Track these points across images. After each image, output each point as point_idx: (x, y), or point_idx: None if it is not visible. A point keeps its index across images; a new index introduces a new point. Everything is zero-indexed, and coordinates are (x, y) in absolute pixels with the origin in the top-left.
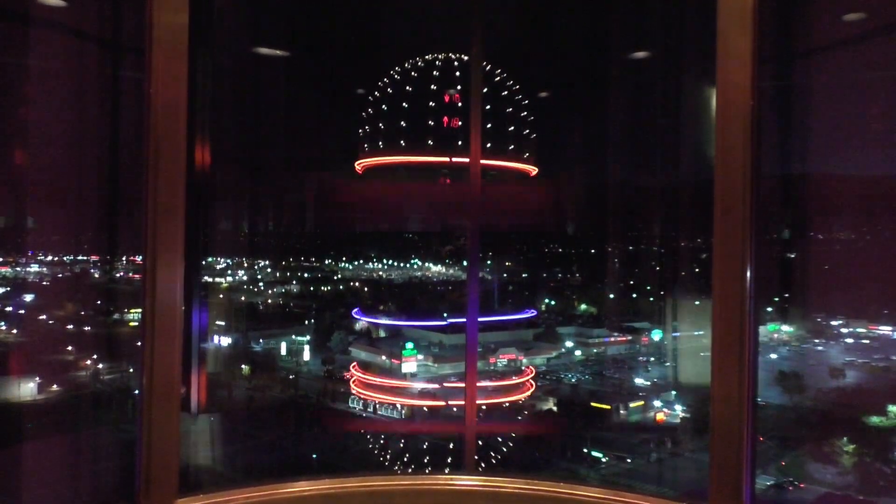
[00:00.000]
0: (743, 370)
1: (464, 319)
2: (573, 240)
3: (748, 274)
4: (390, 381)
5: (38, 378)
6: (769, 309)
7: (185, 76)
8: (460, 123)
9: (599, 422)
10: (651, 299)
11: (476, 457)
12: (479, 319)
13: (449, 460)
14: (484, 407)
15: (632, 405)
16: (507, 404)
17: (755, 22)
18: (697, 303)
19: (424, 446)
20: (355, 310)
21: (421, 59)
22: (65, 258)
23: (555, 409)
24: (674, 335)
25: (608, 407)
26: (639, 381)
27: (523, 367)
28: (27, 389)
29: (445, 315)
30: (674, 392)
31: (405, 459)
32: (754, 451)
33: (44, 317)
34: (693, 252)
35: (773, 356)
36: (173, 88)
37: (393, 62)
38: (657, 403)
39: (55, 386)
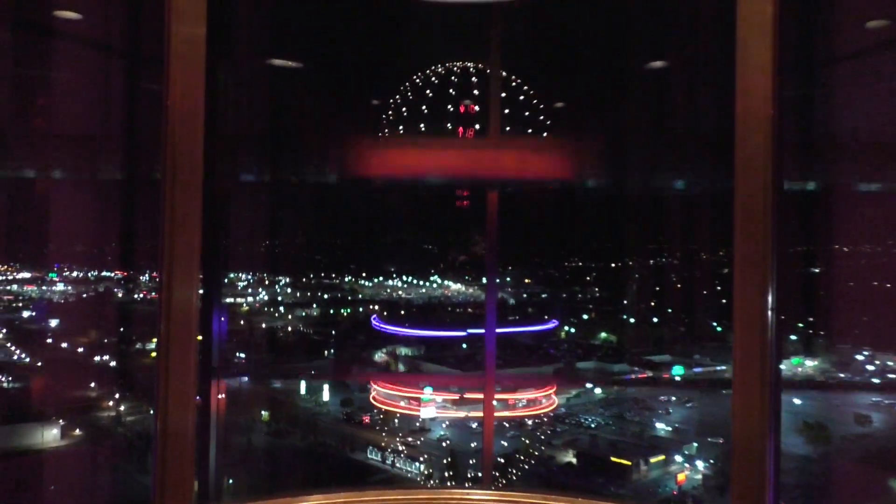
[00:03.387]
0: (765, 386)
1: (482, 331)
2: (593, 253)
3: (770, 285)
4: (408, 392)
5: (61, 421)
6: (793, 337)
7: (203, 87)
8: (475, 134)
9: (619, 478)
10: (672, 325)
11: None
12: (499, 331)
13: (469, 475)
14: (506, 424)
15: (652, 460)
16: (530, 422)
17: (775, 30)
18: (720, 329)
19: None
20: (374, 317)
21: (438, 70)
22: (89, 274)
23: (574, 461)
24: (696, 370)
25: (629, 463)
26: (660, 425)
27: (543, 400)
28: (50, 435)
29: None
30: (695, 444)
31: None
32: (777, 491)
33: (66, 345)
34: (714, 266)
35: (797, 401)
36: (191, 99)
37: (409, 73)
38: (678, 458)
39: (77, 430)
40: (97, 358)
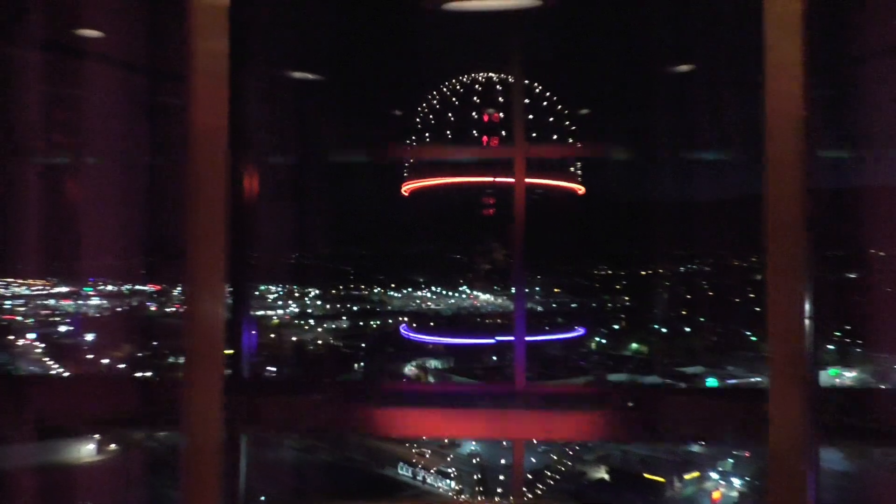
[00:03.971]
0: (803, 397)
1: (512, 338)
2: (621, 261)
3: (805, 292)
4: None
5: (97, 436)
6: (830, 347)
7: (226, 101)
8: (499, 142)
9: (653, 496)
10: (703, 334)
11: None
12: (528, 339)
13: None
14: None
15: (686, 477)
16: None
17: (804, 29)
18: (754, 338)
19: None
20: (402, 325)
21: (462, 80)
22: (123, 288)
23: (607, 477)
24: (729, 382)
25: (662, 480)
26: None
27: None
28: (86, 450)
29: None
30: (730, 461)
31: None
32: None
33: (102, 359)
34: (746, 273)
35: None
36: (214, 114)
37: (433, 84)
38: (713, 475)
39: (112, 445)
40: (131, 372)
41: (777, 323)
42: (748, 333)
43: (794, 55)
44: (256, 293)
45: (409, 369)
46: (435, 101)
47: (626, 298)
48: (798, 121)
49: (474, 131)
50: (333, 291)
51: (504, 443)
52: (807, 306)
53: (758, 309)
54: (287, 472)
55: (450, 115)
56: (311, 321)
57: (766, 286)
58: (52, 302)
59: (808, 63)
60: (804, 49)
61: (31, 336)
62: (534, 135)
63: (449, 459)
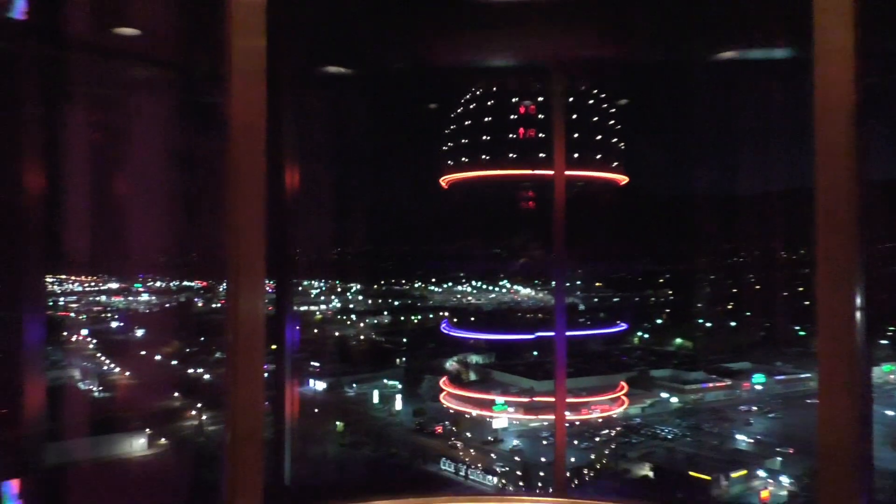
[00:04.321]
0: (854, 394)
1: (552, 333)
2: (665, 255)
3: (857, 284)
4: (478, 395)
5: (147, 430)
6: (883, 342)
7: (264, 99)
8: (536, 134)
9: (699, 494)
10: (750, 329)
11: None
12: (569, 334)
13: (541, 478)
14: (577, 422)
15: (733, 475)
16: (600, 420)
17: (856, 11)
18: (803, 333)
19: None
20: (444, 322)
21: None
22: (171, 284)
23: (651, 475)
24: (777, 378)
25: (708, 478)
26: (740, 437)
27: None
28: (138, 444)
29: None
30: (779, 459)
31: None
32: (871, 486)
33: (153, 356)
34: (794, 266)
35: (890, 412)
36: (252, 111)
37: (469, 77)
38: (761, 473)
39: (163, 439)
40: (180, 368)
41: (827, 317)
42: (796, 328)
43: (845, 39)
44: (299, 289)
45: (451, 364)
46: (473, 96)
47: (670, 292)
48: (849, 108)
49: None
50: (375, 287)
51: (544, 441)
52: (858, 300)
53: (806, 303)
54: (331, 467)
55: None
56: (353, 316)
57: (815, 279)
58: (103, 298)
59: (860, 47)
60: (855, 32)
61: (84, 332)
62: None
63: (491, 456)
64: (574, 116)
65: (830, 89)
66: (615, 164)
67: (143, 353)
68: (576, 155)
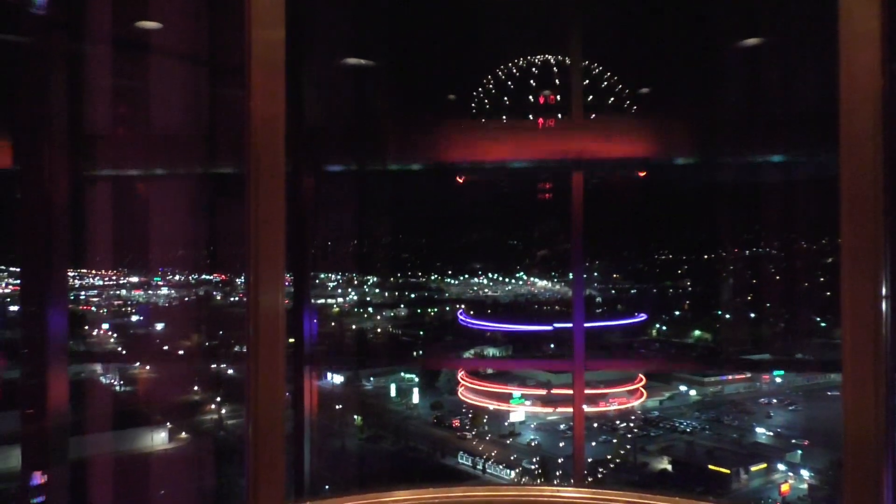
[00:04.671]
0: (879, 376)
1: (570, 325)
2: (684, 245)
3: (883, 272)
4: (496, 388)
5: (168, 425)
6: None
7: (283, 90)
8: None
9: (718, 488)
10: (770, 321)
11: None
12: (587, 325)
13: (558, 473)
14: (595, 416)
15: (753, 469)
16: (619, 413)
17: None
18: (824, 325)
19: None
20: (460, 311)
21: (518, 63)
22: (190, 277)
23: (670, 468)
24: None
25: (727, 471)
26: (760, 430)
27: (631, 403)
28: (159, 438)
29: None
30: (799, 452)
31: None
32: None
33: (175, 350)
34: (816, 256)
35: None
36: (272, 103)
37: (488, 65)
38: (781, 467)
39: (183, 433)
40: (200, 362)
41: (851, 307)
42: (818, 319)
43: (872, 23)
44: (317, 282)
45: (467, 357)
46: (491, 85)
47: (689, 284)
48: (876, 95)
49: (530, 115)
50: (392, 279)
51: (562, 436)
52: (884, 289)
53: (828, 293)
54: (351, 461)
55: (506, 98)
56: (370, 309)
57: (838, 269)
58: (123, 292)
59: (888, 31)
60: (883, 16)
61: (105, 326)
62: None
63: (509, 449)
64: (593, 106)
65: (857, 72)
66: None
67: (164, 347)
68: None
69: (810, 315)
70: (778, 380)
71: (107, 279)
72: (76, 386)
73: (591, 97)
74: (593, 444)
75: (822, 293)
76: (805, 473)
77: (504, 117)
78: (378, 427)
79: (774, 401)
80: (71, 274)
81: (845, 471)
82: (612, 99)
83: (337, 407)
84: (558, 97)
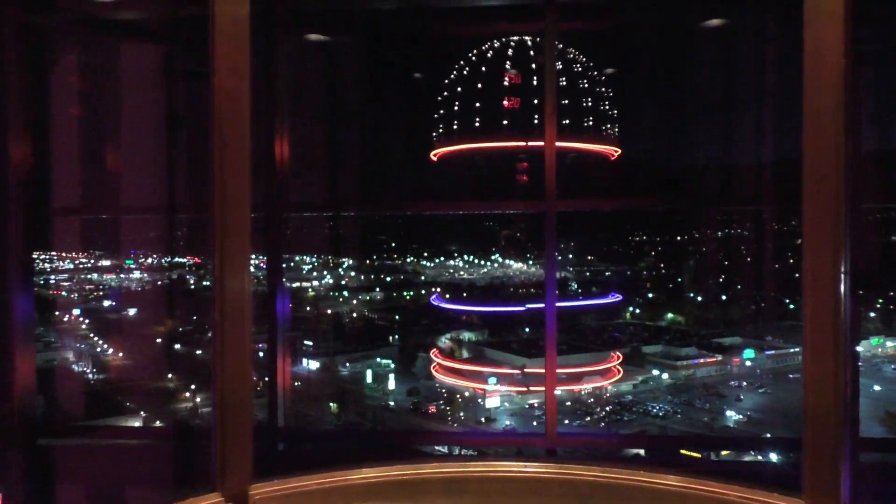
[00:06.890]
0: (838, 350)
1: (542, 305)
2: (658, 226)
3: (842, 247)
4: (470, 367)
5: (142, 413)
6: (872, 314)
7: (248, 67)
8: (521, 104)
9: (688, 469)
10: (742, 303)
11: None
12: (559, 304)
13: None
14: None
15: (724, 453)
16: (588, 391)
17: None
18: (793, 307)
19: None
20: (434, 296)
21: (486, 43)
22: (163, 261)
23: (642, 453)
24: (767, 353)
25: (699, 455)
26: (730, 413)
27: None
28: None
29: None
30: (768, 434)
31: None
32: (854, 447)
33: (149, 335)
34: (787, 237)
35: (878, 387)
36: (236, 79)
37: (455, 45)
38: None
39: (158, 422)
40: (174, 347)
41: (812, 280)
42: (787, 301)
43: (835, 2)
44: (291, 264)
45: (443, 342)
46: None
47: (662, 266)
48: (840, 70)
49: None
50: (368, 262)
51: (535, 423)
52: (842, 261)
53: (797, 275)
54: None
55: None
56: (346, 293)
57: (802, 247)
58: (94, 276)
59: (851, 9)
60: None
61: (76, 312)
62: (565, 101)
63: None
64: (563, 83)
65: (820, 50)
66: (606, 133)
67: (138, 333)
68: (566, 121)
69: (779, 297)
70: (748, 363)
71: (77, 262)
72: (47, 374)
73: (562, 79)
74: (566, 430)
75: (791, 275)
76: (774, 457)
77: (472, 108)
78: (354, 414)
79: (745, 384)
80: (42, 257)
81: (804, 438)
82: (582, 79)
83: (312, 394)
84: (518, 81)
